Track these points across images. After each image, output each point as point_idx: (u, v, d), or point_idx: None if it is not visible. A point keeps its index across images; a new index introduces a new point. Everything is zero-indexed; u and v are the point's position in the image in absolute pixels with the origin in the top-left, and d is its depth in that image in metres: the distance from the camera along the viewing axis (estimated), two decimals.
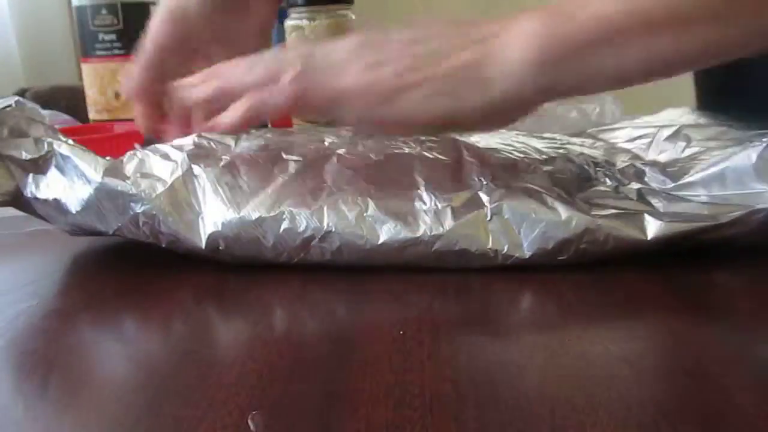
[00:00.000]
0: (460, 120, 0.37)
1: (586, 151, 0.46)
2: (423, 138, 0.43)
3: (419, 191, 0.39)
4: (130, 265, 0.44)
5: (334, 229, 0.38)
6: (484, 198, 0.38)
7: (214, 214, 0.40)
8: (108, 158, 0.41)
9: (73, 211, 0.41)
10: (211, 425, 0.25)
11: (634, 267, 0.38)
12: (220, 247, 0.40)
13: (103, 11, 0.78)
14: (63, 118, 0.83)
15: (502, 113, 0.37)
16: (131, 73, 0.48)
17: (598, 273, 0.37)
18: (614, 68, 0.35)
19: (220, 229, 0.39)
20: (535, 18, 0.35)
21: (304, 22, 0.71)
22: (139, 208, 0.40)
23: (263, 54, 0.41)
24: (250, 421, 0.25)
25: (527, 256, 0.38)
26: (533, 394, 0.26)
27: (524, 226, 0.38)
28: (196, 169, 0.41)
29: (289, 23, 0.73)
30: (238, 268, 0.40)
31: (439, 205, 0.38)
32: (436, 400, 0.26)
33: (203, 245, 0.40)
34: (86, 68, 0.80)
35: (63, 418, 0.26)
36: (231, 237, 0.39)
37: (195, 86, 0.42)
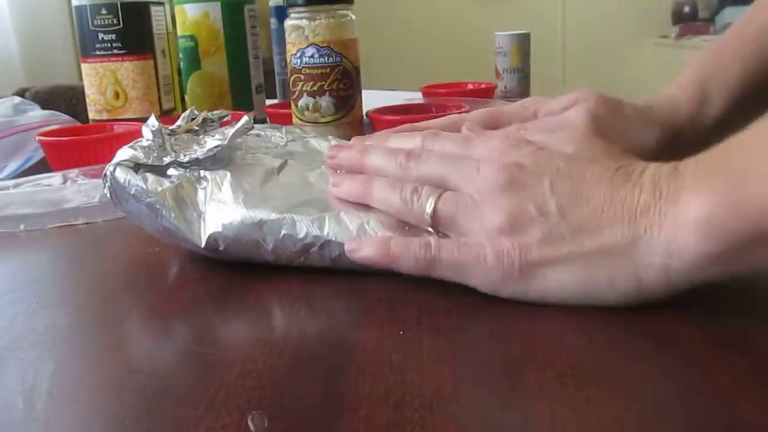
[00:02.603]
0: (601, 301, 0.32)
1: None
2: None
3: None
4: (130, 266, 0.44)
5: (334, 239, 0.38)
6: None
7: (215, 215, 0.40)
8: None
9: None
10: (211, 425, 0.25)
11: None
12: (220, 248, 0.40)
13: (103, 11, 0.78)
14: (63, 118, 0.83)
15: (648, 298, 0.32)
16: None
17: None
18: None
19: (220, 229, 0.39)
20: (705, 199, 0.29)
21: (304, 22, 0.71)
22: (145, 200, 0.40)
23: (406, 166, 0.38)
24: (250, 421, 0.25)
25: None
26: (534, 393, 0.26)
27: None
28: (203, 172, 0.41)
29: (289, 23, 0.73)
30: (238, 267, 0.40)
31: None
32: (436, 400, 0.26)
33: (202, 244, 0.40)
34: (86, 68, 0.80)
35: (63, 418, 0.26)
36: (231, 238, 0.39)
37: (340, 181, 0.40)
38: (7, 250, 0.49)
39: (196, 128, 0.46)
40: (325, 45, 0.70)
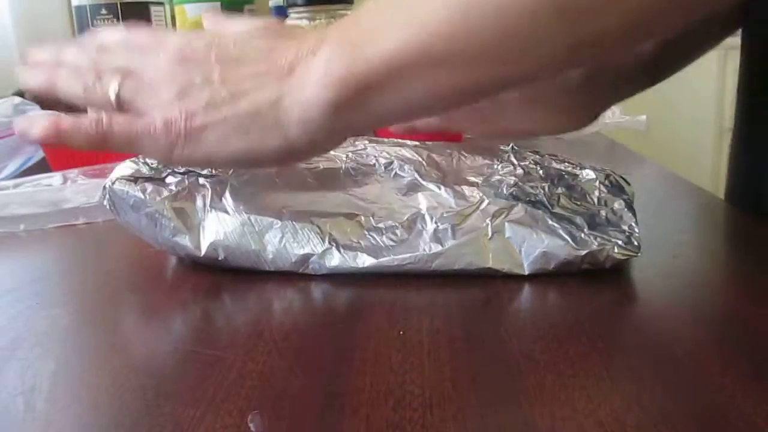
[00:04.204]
0: (259, 160, 0.36)
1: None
2: (424, 156, 0.42)
3: (420, 211, 0.39)
4: (131, 266, 0.44)
5: (334, 246, 0.38)
6: (486, 216, 0.38)
7: (215, 223, 0.39)
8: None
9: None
10: (211, 425, 0.25)
11: (635, 266, 0.38)
12: (219, 257, 0.39)
13: (103, 11, 0.78)
14: None
15: (299, 153, 0.36)
16: None
17: (600, 272, 0.37)
18: (401, 105, 0.34)
19: (221, 238, 0.39)
20: (330, 51, 0.33)
21: (304, 22, 0.71)
22: (144, 210, 0.40)
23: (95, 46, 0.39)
24: (250, 422, 0.25)
25: (527, 274, 0.37)
26: (533, 393, 0.26)
27: (525, 246, 0.37)
28: (201, 179, 0.41)
29: (288, 23, 0.73)
30: (238, 268, 0.40)
31: (440, 225, 0.38)
32: (436, 400, 0.26)
33: (202, 253, 0.39)
34: None
35: (63, 418, 0.26)
36: (231, 247, 0.39)
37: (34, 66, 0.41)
38: (7, 250, 0.49)
39: None
40: None
